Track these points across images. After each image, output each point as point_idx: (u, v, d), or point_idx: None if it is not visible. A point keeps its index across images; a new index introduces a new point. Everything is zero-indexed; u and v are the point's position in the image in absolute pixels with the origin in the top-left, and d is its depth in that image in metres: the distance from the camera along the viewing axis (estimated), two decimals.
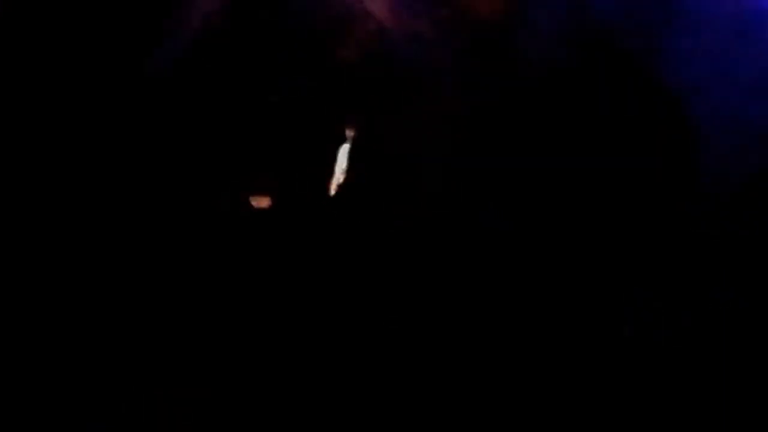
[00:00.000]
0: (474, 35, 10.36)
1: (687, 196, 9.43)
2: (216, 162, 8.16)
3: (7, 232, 7.34)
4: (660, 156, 9.57)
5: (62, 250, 7.36)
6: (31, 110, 7.95)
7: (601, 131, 10.44)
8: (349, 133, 10.15)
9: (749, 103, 10.25)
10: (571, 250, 8.06)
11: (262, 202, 10.19)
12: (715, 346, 7.35)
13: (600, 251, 8.20)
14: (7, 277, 7.14)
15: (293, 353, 7.09)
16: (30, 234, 7.41)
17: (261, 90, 9.71)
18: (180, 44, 8.68)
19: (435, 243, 8.13)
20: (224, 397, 6.82)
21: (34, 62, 8.11)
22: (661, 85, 10.41)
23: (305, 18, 9.76)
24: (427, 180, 8.60)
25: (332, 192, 8.78)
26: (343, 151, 9.77)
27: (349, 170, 8.34)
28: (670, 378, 7.20)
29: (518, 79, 9.83)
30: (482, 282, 7.62)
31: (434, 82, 10.26)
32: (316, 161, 8.54)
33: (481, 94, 9.37)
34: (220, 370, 6.95)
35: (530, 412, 6.97)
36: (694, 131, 9.70)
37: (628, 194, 9.73)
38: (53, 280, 7.19)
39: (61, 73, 8.25)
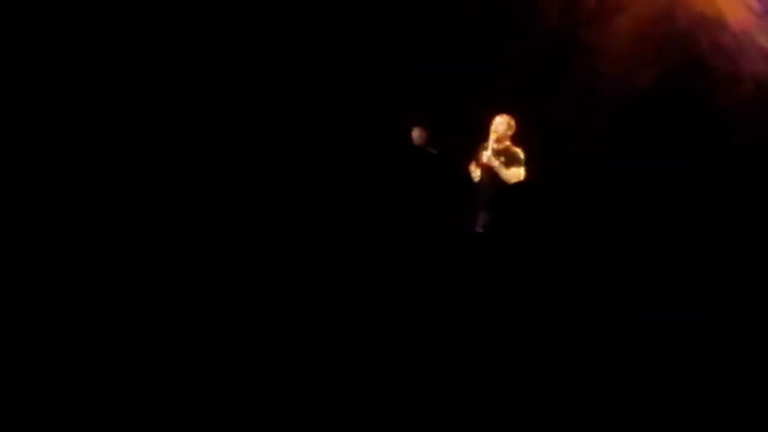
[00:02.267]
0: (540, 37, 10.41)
1: (686, 196, 9.45)
2: (218, 161, 8.20)
3: (8, 232, 7.35)
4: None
5: (62, 250, 7.36)
6: (32, 110, 7.98)
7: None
8: (417, 134, 10.16)
9: None
10: (573, 250, 8.07)
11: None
12: (714, 345, 7.34)
13: (601, 252, 8.21)
14: (7, 277, 7.14)
15: (293, 353, 7.07)
16: (30, 234, 7.41)
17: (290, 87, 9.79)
18: (181, 45, 8.71)
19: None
20: (224, 397, 6.79)
21: (34, 62, 8.15)
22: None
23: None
24: None
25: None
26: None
27: None
28: (669, 376, 7.20)
29: None
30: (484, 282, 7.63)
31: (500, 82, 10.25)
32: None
33: None
34: (220, 370, 6.93)
35: (529, 411, 6.95)
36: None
37: (632, 195, 9.76)
38: (53, 280, 7.19)
39: (61, 73, 8.29)
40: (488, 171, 9.78)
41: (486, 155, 9.70)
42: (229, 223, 7.57)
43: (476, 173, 9.73)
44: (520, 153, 9.88)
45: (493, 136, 9.83)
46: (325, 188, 8.00)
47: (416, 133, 10.58)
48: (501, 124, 9.89)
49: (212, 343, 7.05)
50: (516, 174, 9.68)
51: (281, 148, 8.20)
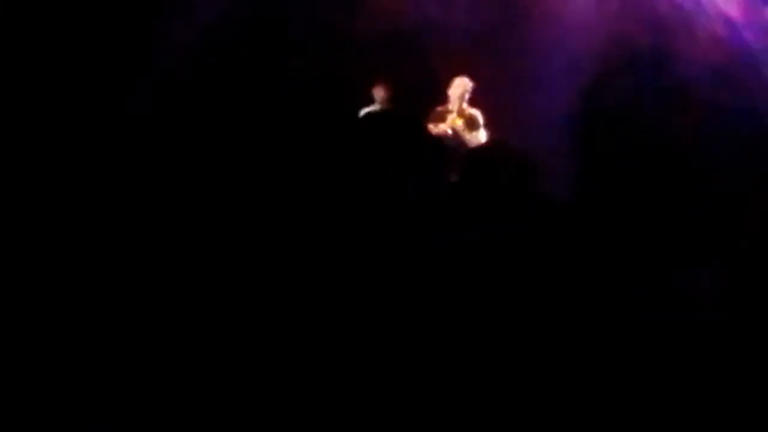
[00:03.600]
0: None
1: (687, 196, 9.47)
2: (219, 159, 8.19)
3: (9, 233, 7.36)
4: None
5: (61, 249, 7.36)
6: (32, 110, 7.99)
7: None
8: (378, 93, 10.18)
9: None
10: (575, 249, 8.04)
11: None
12: (715, 345, 7.35)
13: (602, 251, 8.17)
14: (8, 277, 7.15)
15: (293, 353, 7.08)
16: (31, 234, 7.42)
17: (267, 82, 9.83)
18: (183, 41, 8.72)
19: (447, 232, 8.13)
20: (224, 397, 6.80)
21: (34, 62, 8.15)
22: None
23: None
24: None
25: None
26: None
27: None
28: (669, 376, 7.20)
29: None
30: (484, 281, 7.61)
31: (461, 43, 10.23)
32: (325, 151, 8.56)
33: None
34: (220, 370, 6.94)
35: (526, 412, 6.96)
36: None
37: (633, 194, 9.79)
38: (53, 280, 7.20)
39: (61, 72, 8.30)
40: (450, 135, 9.80)
41: (450, 118, 9.70)
42: (229, 222, 7.57)
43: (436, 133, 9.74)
44: (479, 116, 9.91)
45: (457, 101, 9.83)
46: (325, 188, 7.99)
47: (377, 93, 10.62)
48: (460, 86, 9.91)
49: (212, 343, 7.06)
50: (477, 137, 9.72)
51: (281, 147, 8.20)
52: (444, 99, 10.26)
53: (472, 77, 10.42)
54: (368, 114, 10.54)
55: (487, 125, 10.13)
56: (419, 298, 7.38)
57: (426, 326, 7.28)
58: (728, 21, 11.62)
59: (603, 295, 7.68)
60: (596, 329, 7.47)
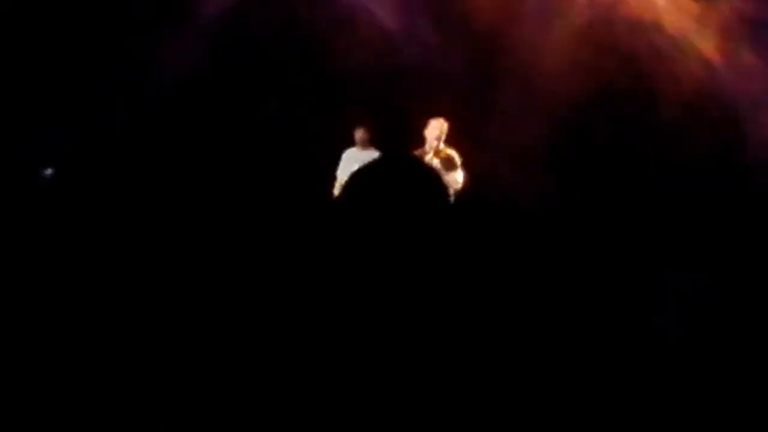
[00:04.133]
0: (476, 40, 10.46)
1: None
2: (216, 163, 8.18)
3: (10, 233, 7.34)
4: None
5: (64, 251, 7.36)
6: (32, 110, 7.97)
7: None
8: (360, 135, 10.26)
9: None
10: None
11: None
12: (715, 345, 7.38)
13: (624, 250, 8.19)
14: (9, 277, 7.12)
15: (293, 353, 7.06)
16: (32, 235, 7.40)
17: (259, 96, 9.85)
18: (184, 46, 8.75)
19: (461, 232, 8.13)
20: (224, 397, 6.77)
21: (33, 63, 8.14)
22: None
23: (305, 23, 9.77)
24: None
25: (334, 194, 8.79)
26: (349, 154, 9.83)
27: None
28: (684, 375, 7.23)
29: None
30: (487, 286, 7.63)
31: (437, 85, 10.31)
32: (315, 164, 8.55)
33: (483, 99, 9.41)
34: (221, 370, 6.91)
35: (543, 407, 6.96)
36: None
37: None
38: (54, 280, 7.18)
39: (62, 72, 8.30)
40: None
41: (427, 159, 9.62)
42: (230, 224, 7.61)
43: None
44: (456, 156, 9.85)
45: (433, 143, 9.81)
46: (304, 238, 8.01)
47: (359, 134, 10.71)
48: (436, 128, 9.89)
49: (212, 343, 7.04)
50: (455, 179, 9.65)
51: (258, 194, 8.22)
52: (421, 140, 10.31)
53: (449, 118, 10.50)
54: (348, 156, 10.61)
55: (464, 165, 10.17)
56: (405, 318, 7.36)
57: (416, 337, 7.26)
58: (706, 63, 11.79)
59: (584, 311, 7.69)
60: (580, 338, 7.49)
